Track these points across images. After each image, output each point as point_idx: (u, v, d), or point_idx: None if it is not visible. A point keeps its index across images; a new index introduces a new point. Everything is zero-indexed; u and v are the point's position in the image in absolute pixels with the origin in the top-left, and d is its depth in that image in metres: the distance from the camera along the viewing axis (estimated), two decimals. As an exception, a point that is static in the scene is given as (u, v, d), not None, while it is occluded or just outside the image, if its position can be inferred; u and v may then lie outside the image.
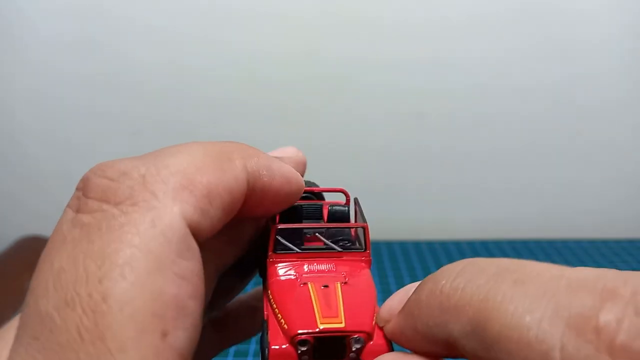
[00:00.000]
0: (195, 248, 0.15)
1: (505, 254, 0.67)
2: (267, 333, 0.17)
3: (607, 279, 0.12)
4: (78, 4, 0.62)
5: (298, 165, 0.23)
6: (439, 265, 0.57)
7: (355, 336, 0.17)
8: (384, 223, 0.71)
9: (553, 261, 0.51)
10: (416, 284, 0.17)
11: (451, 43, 0.64)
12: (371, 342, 0.17)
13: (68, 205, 0.15)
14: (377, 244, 0.69)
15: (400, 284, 0.62)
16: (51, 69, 0.65)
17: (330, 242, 0.21)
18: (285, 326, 0.17)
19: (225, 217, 0.16)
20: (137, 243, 0.13)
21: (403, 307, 0.16)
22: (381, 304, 0.18)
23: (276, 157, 0.19)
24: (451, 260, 0.56)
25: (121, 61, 0.65)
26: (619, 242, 0.70)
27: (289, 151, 0.23)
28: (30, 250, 0.60)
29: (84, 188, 0.15)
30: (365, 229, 0.21)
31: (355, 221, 0.23)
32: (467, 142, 0.68)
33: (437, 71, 0.65)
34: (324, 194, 0.24)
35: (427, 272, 0.61)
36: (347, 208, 0.22)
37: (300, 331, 0.17)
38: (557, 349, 0.11)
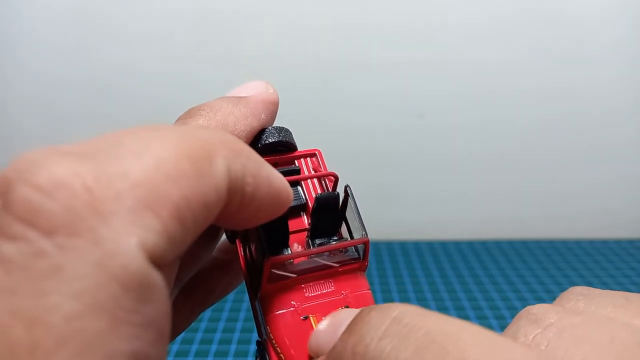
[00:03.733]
0: (159, 284, 0.11)
1: (505, 254, 0.67)
2: None
3: None
4: (74, 10, 0.62)
5: (267, 106, 0.19)
6: (439, 266, 0.57)
7: None
8: (384, 223, 0.71)
9: (553, 261, 0.51)
10: (351, 315, 0.15)
11: (453, 47, 0.64)
12: None
13: None
14: (377, 244, 0.69)
15: (400, 284, 0.62)
16: (49, 74, 0.65)
17: (318, 242, 0.19)
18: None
19: (195, 236, 0.12)
20: (78, 294, 0.09)
21: (330, 352, 0.14)
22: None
23: (267, 162, 0.15)
24: (451, 260, 0.56)
25: (118, 66, 0.64)
26: (619, 242, 0.70)
27: (255, 86, 0.18)
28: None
29: (5, 194, 0.10)
30: (366, 245, 0.19)
31: (346, 214, 0.20)
32: (468, 143, 0.68)
33: (438, 74, 0.65)
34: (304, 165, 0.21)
35: (427, 272, 0.61)
36: (337, 195, 0.19)
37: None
38: None
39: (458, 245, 0.69)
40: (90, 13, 0.62)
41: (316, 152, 0.21)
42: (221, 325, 0.50)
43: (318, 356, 0.15)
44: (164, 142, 0.12)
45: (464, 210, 0.72)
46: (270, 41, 0.63)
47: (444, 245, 0.69)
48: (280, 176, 0.15)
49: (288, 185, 0.15)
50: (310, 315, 0.17)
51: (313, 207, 0.19)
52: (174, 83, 0.65)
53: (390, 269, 0.62)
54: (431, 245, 0.69)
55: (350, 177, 0.69)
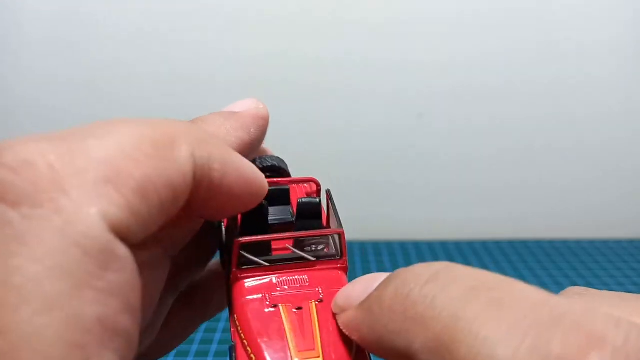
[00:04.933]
0: (124, 255, 0.12)
1: (505, 254, 0.67)
2: None
3: (597, 320, 0.11)
4: (70, 10, 0.62)
5: (257, 121, 0.20)
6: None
7: None
8: (383, 223, 0.71)
9: (553, 261, 0.51)
10: (383, 275, 0.15)
11: (451, 44, 0.64)
12: None
13: None
14: (377, 244, 0.69)
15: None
16: (44, 74, 0.65)
17: (301, 247, 0.19)
18: None
19: (164, 217, 0.13)
20: (41, 257, 0.10)
21: (364, 301, 0.14)
22: None
23: (236, 152, 0.16)
24: (451, 260, 0.56)
25: (114, 66, 0.64)
26: (619, 242, 0.70)
27: (245, 104, 0.19)
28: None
29: None
30: (341, 235, 0.19)
31: (328, 216, 0.20)
32: (467, 142, 0.68)
33: (437, 72, 0.65)
34: (291, 172, 0.22)
35: (427, 272, 0.61)
36: (318, 200, 0.20)
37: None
38: None
39: (458, 245, 0.69)
40: (87, 13, 0.62)
41: (313, 180, 0.21)
42: (221, 325, 0.50)
43: (344, 311, 0.15)
44: (129, 129, 0.13)
45: (464, 210, 0.72)
46: (267, 40, 0.63)
47: (444, 245, 0.69)
48: (252, 166, 0.16)
49: (261, 175, 0.16)
50: (280, 305, 0.16)
51: (296, 212, 0.19)
52: (171, 83, 0.65)
53: (390, 269, 0.62)
54: (431, 245, 0.69)
55: (350, 177, 0.69)
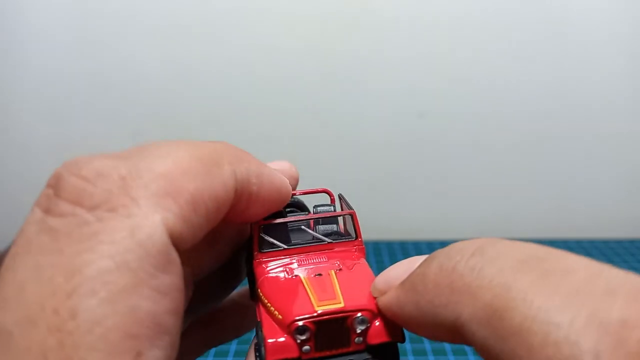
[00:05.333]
0: (176, 260, 0.13)
1: (505, 254, 0.66)
2: (261, 330, 0.16)
3: None
4: (77, 6, 0.62)
5: (290, 181, 0.22)
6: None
7: (358, 315, 0.15)
8: (384, 223, 0.71)
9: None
10: (422, 257, 0.15)
11: (453, 42, 0.64)
12: (377, 322, 0.16)
13: (36, 204, 0.13)
14: (377, 244, 0.69)
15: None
16: (51, 69, 0.65)
17: (319, 233, 0.20)
18: (280, 317, 0.15)
19: (209, 226, 0.15)
20: (111, 254, 0.12)
21: (405, 280, 0.15)
22: None
23: (267, 165, 0.18)
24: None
25: (121, 61, 0.64)
26: (619, 242, 0.70)
27: (282, 165, 0.22)
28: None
29: (55, 186, 0.13)
30: (353, 216, 0.20)
31: (344, 220, 0.21)
32: (468, 142, 0.68)
33: (439, 71, 0.65)
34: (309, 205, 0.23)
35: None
36: (333, 207, 0.22)
37: (297, 317, 0.15)
38: (591, 354, 0.10)
39: (458, 245, 0.69)
40: (93, 9, 0.62)
41: (326, 191, 0.23)
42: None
43: (384, 293, 0.15)
44: (181, 149, 0.15)
45: (464, 210, 0.71)
46: (271, 39, 0.63)
47: (444, 245, 0.69)
48: (280, 175, 0.18)
49: (286, 181, 0.18)
50: (300, 274, 0.18)
51: (315, 220, 0.21)
52: (177, 79, 0.65)
53: (391, 269, 0.62)
54: (431, 245, 0.69)
55: (350, 177, 0.69)
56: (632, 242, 0.70)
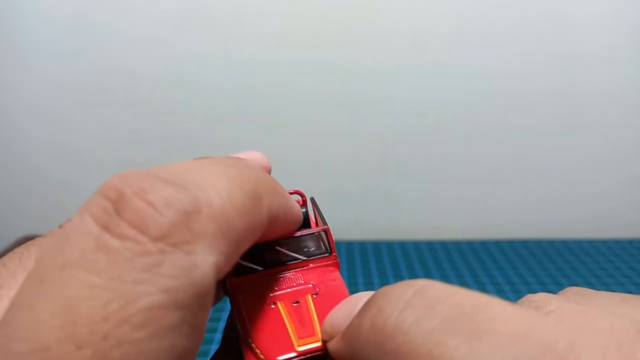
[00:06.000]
0: (213, 298, 0.13)
1: (505, 254, 0.67)
2: None
3: (581, 351, 0.10)
4: (76, 13, 0.62)
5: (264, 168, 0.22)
6: (439, 266, 0.57)
7: None
8: (384, 223, 0.71)
9: (553, 261, 0.51)
10: (366, 296, 0.15)
11: (452, 51, 0.64)
12: None
13: (89, 212, 0.13)
14: (377, 244, 0.69)
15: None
16: (50, 76, 0.65)
17: (295, 250, 0.19)
18: (262, 356, 0.15)
19: (238, 258, 0.15)
20: (166, 289, 0.12)
21: (345, 330, 0.14)
22: None
23: (289, 194, 0.18)
24: (451, 260, 0.56)
25: (118, 68, 0.64)
26: (618, 242, 0.70)
27: (253, 155, 0.21)
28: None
29: (117, 203, 0.13)
30: (327, 232, 0.20)
31: (315, 222, 0.21)
32: (468, 144, 0.68)
33: (438, 77, 0.65)
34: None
35: (427, 272, 0.61)
36: (305, 210, 0.21)
37: (278, 358, 0.15)
38: None
39: (458, 245, 0.69)
40: (92, 16, 0.62)
41: (298, 192, 0.22)
42: (221, 325, 0.50)
43: (332, 337, 0.15)
44: (232, 181, 0.14)
45: (464, 210, 0.72)
46: (269, 43, 0.63)
47: (444, 245, 0.69)
48: (297, 205, 0.19)
49: (300, 210, 0.19)
50: (278, 302, 0.17)
51: None
52: (176, 86, 0.65)
53: (390, 269, 0.62)
54: (431, 245, 0.69)
55: (351, 178, 0.69)
56: (631, 242, 0.70)
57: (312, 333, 0.16)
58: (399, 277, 0.60)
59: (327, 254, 0.20)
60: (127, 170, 0.14)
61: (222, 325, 0.50)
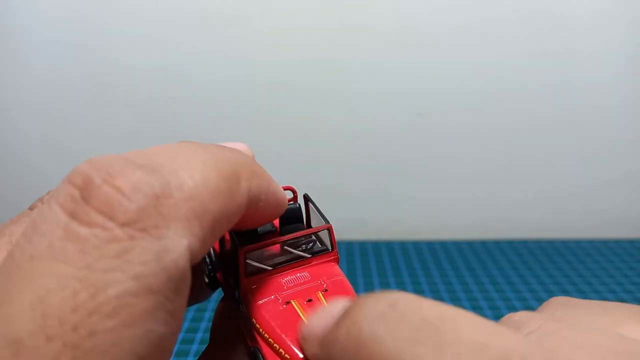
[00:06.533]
0: (189, 283, 0.13)
1: (505, 254, 0.67)
2: None
3: None
4: (74, 10, 0.62)
5: None
6: (439, 266, 0.57)
7: None
8: (383, 223, 0.71)
9: (553, 261, 0.51)
10: (343, 304, 0.15)
11: (452, 48, 0.64)
12: None
13: (56, 200, 0.12)
14: (377, 244, 0.69)
15: (400, 284, 0.62)
16: (48, 74, 0.65)
17: (294, 248, 0.20)
18: (287, 355, 0.16)
19: (215, 242, 0.15)
20: (137, 276, 0.12)
21: (322, 340, 0.14)
22: None
23: (271, 178, 0.18)
24: (451, 260, 0.56)
25: (117, 66, 0.65)
26: (618, 242, 0.70)
27: (239, 146, 0.21)
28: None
29: (84, 189, 0.12)
30: (330, 230, 0.20)
31: (308, 219, 0.22)
32: (467, 142, 0.68)
33: (436, 75, 0.65)
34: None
35: (427, 272, 0.61)
36: (297, 205, 0.21)
37: (302, 355, 0.16)
38: None
39: (458, 245, 0.69)
40: (90, 14, 0.62)
41: (290, 188, 0.22)
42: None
43: (310, 345, 0.15)
44: (207, 163, 0.14)
45: (464, 210, 0.72)
46: (268, 41, 0.63)
47: (444, 245, 0.69)
48: (281, 189, 0.18)
49: (285, 195, 0.18)
50: (292, 301, 0.18)
51: (280, 219, 0.21)
52: (174, 83, 0.65)
53: (390, 269, 0.62)
54: (431, 245, 0.69)
55: (351, 177, 0.69)
56: (631, 242, 0.70)
57: None
58: (399, 277, 0.60)
59: (329, 251, 0.20)
60: (97, 156, 0.13)
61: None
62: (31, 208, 0.17)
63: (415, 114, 0.67)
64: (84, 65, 0.65)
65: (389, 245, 0.69)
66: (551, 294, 0.56)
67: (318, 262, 0.20)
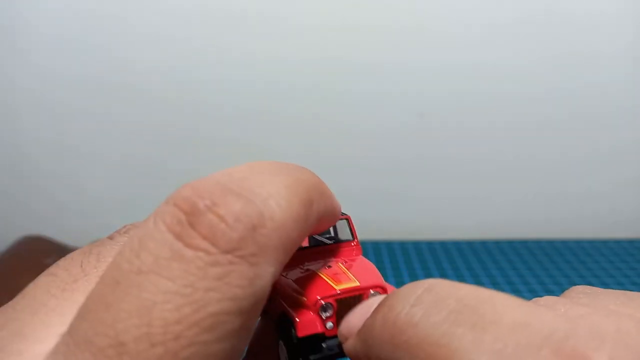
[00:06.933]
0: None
1: (505, 254, 0.67)
2: (288, 313, 0.17)
3: (579, 339, 0.11)
4: (77, 7, 0.62)
5: None
6: (439, 266, 0.57)
7: (372, 292, 0.17)
8: (384, 223, 0.71)
9: (553, 261, 0.51)
10: (378, 300, 0.16)
11: (453, 48, 0.64)
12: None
13: (163, 221, 0.13)
14: (377, 244, 0.69)
15: (401, 284, 0.62)
16: (51, 71, 0.65)
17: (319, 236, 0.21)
18: (304, 299, 0.17)
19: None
20: (233, 297, 0.13)
21: (359, 330, 0.15)
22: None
23: (333, 195, 0.19)
24: (451, 260, 0.57)
25: (121, 64, 0.65)
26: (618, 242, 0.70)
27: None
28: (31, 251, 0.60)
29: (191, 215, 0.13)
30: (349, 220, 0.21)
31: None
32: (468, 143, 0.68)
33: (439, 76, 0.65)
34: None
35: (427, 272, 0.61)
36: None
37: (320, 297, 0.17)
38: None
39: (458, 245, 0.69)
40: (95, 10, 0.62)
41: (347, 218, 0.23)
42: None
43: (347, 339, 0.16)
44: (289, 188, 0.15)
45: (464, 210, 0.72)
46: (271, 41, 0.64)
47: (444, 245, 0.69)
48: (338, 202, 0.19)
49: (339, 206, 0.19)
50: (312, 267, 0.19)
51: None
52: (177, 81, 0.65)
53: (390, 269, 0.62)
54: (431, 245, 0.69)
55: (351, 177, 0.69)
56: (631, 242, 0.70)
57: (348, 279, 0.17)
58: (399, 277, 0.60)
59: (350, 240, 0.21)
60: (196, 180, 0.14)
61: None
62: (111, 237, 0.18)
63: (416, 114, 0.67)
64: (88, 64, 0.65)
65: (389, 245, 0.69)
66: (551, 294, 0.56)
67: (340, 249, 0.21)
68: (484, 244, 0.70)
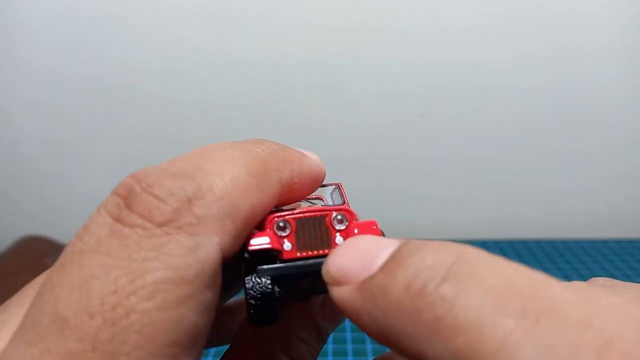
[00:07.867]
0: (220, 278, 0.14)
1: (505, 254, 0.67)
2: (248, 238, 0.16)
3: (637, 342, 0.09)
4: (75, 7, 0.62)
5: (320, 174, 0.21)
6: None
7: (335, 214, 0.16)
8: (384, 223, 0.71)
9: (553, 261, 0.51)
10: (385, 243, 0.14)
11: (452, 47, 0.64)
12: (355, 221, 0.17)
13: (104, 208, 0.14)
14: (377, 244, 0.69)
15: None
16: (49, 72, 0.65)
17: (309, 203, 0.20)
18: (264, 222, 0.16)
19: (247, 234, 0.16)
20: (172, 266, 0.13)
21: (364, 285, 0.13)
22: None
23: (304, 154, 0.19)
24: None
25: (120, 64, 0.64)
26: (618, 242, 0.70)
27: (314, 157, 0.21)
28: (30, 251, 0.60)
29: (127, 198, 0.14)
30: (339, 187, 0.21)
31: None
32: (468, 143, 0.68)
33: (438, 74, 0.65)
34: None
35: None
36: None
37: (277, 215, 0.16)
38: None
39: (458, 245, 0.69)
40: (92, 11, 0.62)
41: (338, 185, 0.22)
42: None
43: (340, 284, 0.13)
44: (235, 163, 0.15)
45: (464, 210, 0.72)
46: (271, 41, 0.63)
47: (444, 245, 0.69)
48: (317, 160, 0.19)
49: (322, 164, 0.19)
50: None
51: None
52: (176, 82, 0.65)
53: (390, 269, 0.62)
54: (431, 245, 0.69)
55: (351, 177, 0.68)
56: (631, 242, 0.70)
57: (316, 208, 0.16)
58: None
59: (341, 204, 0.20)
60: (139, 169, 0.15)
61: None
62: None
63: (416, 114, 0.67)
64: (86, 64, 0.64)
65: (389, 245, 0.69)
66: (551, 294, 0.56)
67: (332, 208, 0.20)
68: (484, 244, 0.70)
